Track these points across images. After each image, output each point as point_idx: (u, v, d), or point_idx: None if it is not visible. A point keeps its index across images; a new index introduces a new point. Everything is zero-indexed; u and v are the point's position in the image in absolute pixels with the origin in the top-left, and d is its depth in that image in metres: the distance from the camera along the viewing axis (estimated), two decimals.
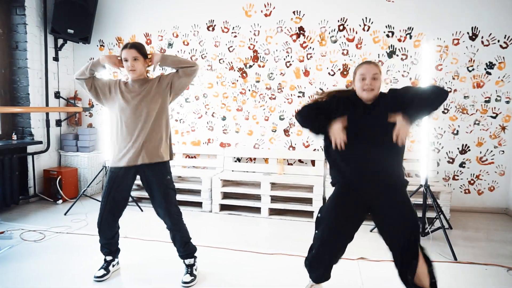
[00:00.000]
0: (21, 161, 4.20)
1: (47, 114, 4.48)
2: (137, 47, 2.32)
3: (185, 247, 2.48)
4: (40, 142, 4.33)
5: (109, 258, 2.56)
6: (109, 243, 2.52)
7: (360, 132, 1.92)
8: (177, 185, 4.15)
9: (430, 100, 1.88)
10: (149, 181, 2.42)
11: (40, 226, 3.47)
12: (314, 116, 2.01)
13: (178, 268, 2.55)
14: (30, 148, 4.30)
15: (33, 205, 4.22)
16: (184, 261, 2.51)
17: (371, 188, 1.95)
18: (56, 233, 3.32)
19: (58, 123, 4.70)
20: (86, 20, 4.46)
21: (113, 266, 2.58)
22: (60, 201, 4.30)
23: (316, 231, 2.05)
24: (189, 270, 2.48)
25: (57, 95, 4.65)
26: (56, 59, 4.60)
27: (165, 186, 2.40)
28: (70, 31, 4.33)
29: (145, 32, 4.70)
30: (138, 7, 4.67)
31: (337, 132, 1.89)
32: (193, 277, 2.44)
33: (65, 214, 3.88)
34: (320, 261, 2.05)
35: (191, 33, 4.57)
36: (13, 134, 4.21)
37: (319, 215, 2.07)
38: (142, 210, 4.06)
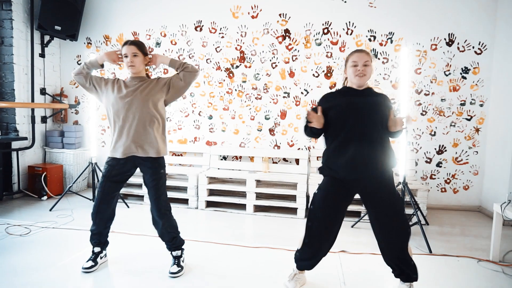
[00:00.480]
0: (5, 157, 4.18)
1: (33, 110, 4.46)
2: (137, 44, 2.41)
3: (173, 241, 2.55)
4: (25, 138, 4.31)
5: (97, 249, 2.60)
6: (100, 233, 2.57)
7: (353, 115, 2.06)
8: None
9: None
10: (144, 173, 2.49)
11: (26, 221, 3.47)
12: (314, 133, 2.16)
13: (165, 261, 2.62)
14: (15, 144, 4.28)
15: (17, 201, 4.19)
16: (171, 253, 2.58)
17: (363, 173, 2.06)
18: (42, 228, 3.33)
19: (44, 119, 4.69)
20: (74, 17, 4.47)
21: (101, 258, 2.63)
22: (45, 197, 4.29)
23: (309, 223, 2.16)
24: (176, 261, 2.55)
25: (43, 91, 4.64)
26: (42, 55, 4.59)
27: (157, 180, 2.47)
28: (58, 27, 4.34)
29: (133, 30, 4.74)
30: (126, 5, 4.71)
31: (313, 116, 2.02)
32: (180, 268, 2.51)
33: (50, 210, 3.88)
34: (312, 250, 2.16)
35: (179, 33, 4.63)
36: None
37: (311, 206, 2.17)
38: (128, 207, 4.09)
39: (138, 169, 2.55)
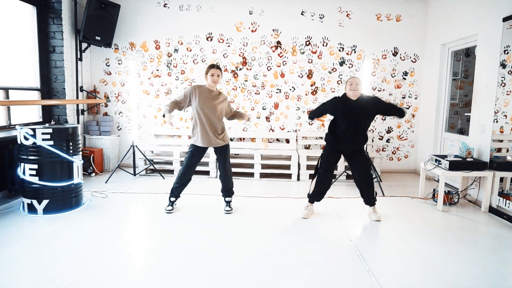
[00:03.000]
0: None
1: (77, 104, 5.51)
2: (221, 69, 3.74)
3: (229, 191, 3.94)
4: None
5: (173, 199, 3.92)
6: (181, 189, 3.87)
7: (348, 115, 3.56)
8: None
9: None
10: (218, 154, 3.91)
11: (97, 189, 4.65)
12: (318, 114, 3.75)
13: (219, 205, 4.01)
14: None
15: None
16: (225, 199, 3.97)
17: (350, 147, 3.62)
18: (112, 193, 4.54)
19: (82, 112, 5.73)
20: (110, 28, 5.54)
21: (175, 204, 3.95)
22: (93, 174, 5.42)
23: (320, 170, 3.68)
24: (228, 204, 3.94)
25: (81, 89, 5.67)
26: (80, 59, 5.61)
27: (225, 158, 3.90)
28: (98, 38, 5.39)
29: (155, 39, 5.89)
30: (148, 18, 5.83)
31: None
32: (231, 208, 3.91)
33: (105, 182, 5.05)
34: (322, 186, 3.70)
35: (193, 42, 5.87)
36: (52, 121, 5.20)
37: (321, 160, 3.71)
38: (164, 178, 5.36)
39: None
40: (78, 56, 5.58)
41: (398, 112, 3.64)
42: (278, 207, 4.16)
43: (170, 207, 3.87)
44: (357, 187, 3.77)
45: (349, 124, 3.55)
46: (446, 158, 4.10)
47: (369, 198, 3.76)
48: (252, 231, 3.40)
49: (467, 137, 4.57)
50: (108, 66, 5.98)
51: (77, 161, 3.89)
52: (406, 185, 5.25)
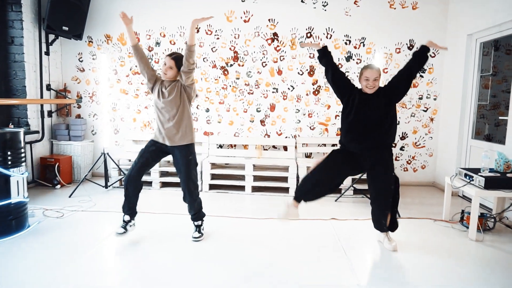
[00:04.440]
0: None
1: (42, 105, 4.78)
2: (176, 59, 2.98)
3: (197, 213, 3.15)
4: (37, 132, 4.64)
5: (127, 218, 3.12)
6: (132, 202, 3.09)
7: (363, 112, 2.81)
8: (169, 169, 4.77)
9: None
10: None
11: (54, 206, 3.89)
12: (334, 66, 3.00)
13: (188, 231, 3.21)
14: (27, 138, 4.59)
15: (33, 190, 4.54)
16: (194, 223, 3.18)
17: (372, 144, 2.83)
18: (72, 211, 3.78)
19: (50, 114, 5.00)
20: (80, 18, 4.81)
21: (130, 226, 3.15)
22: (58, 186, 4.67)
23: (320, 164, 2.93)
24: (197, 229, 3.15)
25: (48, 87, 4.94)
26: (47, 53, 4.88)
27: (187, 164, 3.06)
28: (65, 28, 4.66)
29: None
30: (127, 7, 5.09)
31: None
32: (200, 234, 3.12)
33: (69, 197, 4.30)
34: (308, 181, 2.92)
35: (177, 34, 5.11)
36: (10, 124, 4.48)
37: (327, 158, 2.97)
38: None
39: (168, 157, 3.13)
40: (44, 50, 4.84)
41: (417, 57, 2.90)
42: (268, 234, 3.36)
43: (121, 230, 3.08)
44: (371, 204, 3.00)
45: (362, 121, 2.84)
46: (480, 173, 3.26)
47: (379, 224, 2.98)
48: (228, 270, 2.61)
49: (503, 146, 3.73)
50: (81, 61, 5.25)
51: (17, 175, 3.13)
52: (425, 202, 4.42)
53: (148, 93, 5.20)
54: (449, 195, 3.68)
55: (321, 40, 5.02)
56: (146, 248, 2.96)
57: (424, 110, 5.08)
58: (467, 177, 3.38)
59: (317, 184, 2.91)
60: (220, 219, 3.66)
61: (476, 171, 3.39)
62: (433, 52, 4.97)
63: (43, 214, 3.63)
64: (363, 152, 2.88)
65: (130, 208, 3.12)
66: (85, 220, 3.56)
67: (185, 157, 3.03)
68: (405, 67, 2.92)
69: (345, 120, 2.92)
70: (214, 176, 4.83)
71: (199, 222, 3.20)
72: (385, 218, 2.92)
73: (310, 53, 5.04)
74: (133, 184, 3.04)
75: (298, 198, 2.97)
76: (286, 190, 4.67)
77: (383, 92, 2.87)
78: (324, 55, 3.03)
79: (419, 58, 2.90)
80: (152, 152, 3.06)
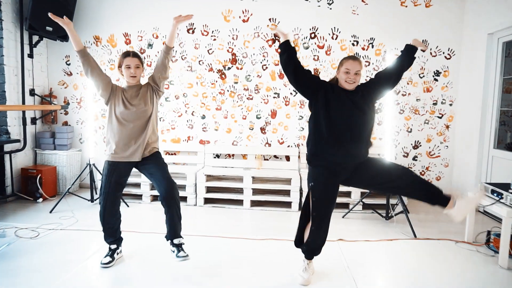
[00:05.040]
0: None
1: (23, 112, 4.41)
2: (139, 57, 2.64)
3: (178, 225, 2.67)
4: (18, 141, 4.28)
5: (113, 246, 2.75)
6: (114, 231, 2.71)
7: (341, 111, 2.35)
8: None
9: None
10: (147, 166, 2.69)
11: (31, 224, 3.50)
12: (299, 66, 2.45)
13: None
14: (7, 147, 4.23)
15: (12, 204, 4.17)
16: (173, 241, 2.66)
17: (349, 159, 2.38)
18: (49, 230, 3.39)
19: (33, 121, 4.64)
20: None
21: (117, 254, 2.78)
22: (40, 199, 4.29)
23: (314, 213, 2.43)
24: (180, 248, 2.65)
25: (32, 92, 4.58)
26: (31, 56, 4.53)
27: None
28: (49, 28, 4.31)
29: (124, 31, 4.78)
30: (117, 6, 4.74)
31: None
32: (186, 254, 2.60)
33: (50, 212, 3.92)
34: (319, 236, 2.44)
35: None
36: None
37: (313, 198, 2.44)
38: (128, 206, 4.20)
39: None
40: (27, 52, 4.49)
41: (406, 53, 2.55)
42: (265, 256, 2.95)
43: (107, 259, 2.69)
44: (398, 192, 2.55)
45: (342, 122, 2.35)
46: (511, 190, 2.84)
47: (431, 191, 2.40)
48: None
49: None
50: (69, 65, 4.89)
51: None
52: (442, 218, 3.98)
53: None
54: (472, 213, 3.25)
55: (326, 41, 4.63)
56: (130, 272, 2.56)
57: (439, 117, 4.66)
58: (495, 194, 2.95)
59: (325, 235, 2.48)
60: (215, 240, 3.25)
61: (505, 186, 2.96)
62: (448, 54, 4.57)
63: (15, 234, 3.23)
64: (343, 162, 2.38)
65: (113, 236, 2.74)
66: (64, 241, 3.17)
67: (159, 158, 2.74)
68: (395, 66, 2.52)
69: (319, 122, 2.38)
70: (209, 189, 4.43)
71: (180, 240, 2.69)
72: (428, 184, 2.43)
73: (315, 55, 4.65)
74: (111, 217, 2.68)
75: (311, 256, 2.57)
76: (288, 204, 4.26)
77: (364, 90, 2.44)
78: (288, 48, 2.48)
79: (409, 59, 2.56)
80: (118, 176, 2.67)
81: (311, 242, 2.50)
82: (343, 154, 2.36)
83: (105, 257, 2.71)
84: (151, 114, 2.66)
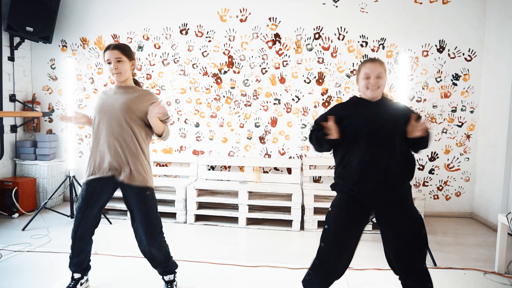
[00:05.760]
0: None
1: (1, 119, 4.07)
2: (122, 48, 2.17)
3: (166, 264, 2.31)
4: None
5: (77, 276, 2.34)
6: (81, 259, 2.29)
7: (367, 128, 1.91)
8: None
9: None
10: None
11: None
12: (322, 142, 2.00)
13: (156, 284, 2.38)
14: None
15: None
16: (163, 277, 2.36)
17: (381, 188, 1.90)
18: (15, 252, 2.99)
19: (14, 128, 4.29)
20: (48, 17, 4.13)
21: (81, 284, 2.36)
22: (16, 214, 3.91)
23: (322, 244, 1.97)
24: (169, 286, 2.33)
25: (13, 98, 4.24)
26: (11, 58, 4.20)
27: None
28: (29, 29, 3.98)
29: (113, 33, 4.43)
30: (105, 6, 4.40)
31: (329, 127, 1.88)
32: None
33: (23, 230, 3.53)
34: (325, 274, 1.97)
35: (163, 36, 4.38)
36: None
37: (326, 226, 1.98)
38: (110, 223, 3.79)
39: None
40: (8, 54, 4.17)
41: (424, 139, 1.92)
42: (268, 286, 2.49)
43: None
44: (396, 268, 2.05)
45: (371, 143, 1.89)
46: None
47: None
48: None
49: None
50: (54, 69, 4.56)
51: None
52: (463, 241, 3.47)
53: None
54: (504, 238, 2.74)
55: (331, 42, 4.20)
56: None
57: (458, 125, 4.17)
58: None
59: (332, 274, 1.99)
60: (202, 266, 2.81)
61: None
62: (469, 55, 4.10)
63: None
64: (371, 194, 1.92)
65: (80, 264, 2.32)
66: (29, 264, 2.76)
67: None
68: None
69: (341, 153, 2.00)
70: (201, 205, 4.00)
71: (171, 277, 2.36)
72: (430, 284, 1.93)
73: (319, 58, 4.23)
74: (85, 240, 2.28)
75: None
76: (288, 223, 3.79)
77: (402, 111, 1.97)
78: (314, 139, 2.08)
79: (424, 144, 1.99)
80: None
81: (309, 279, 2.03)
82: (367, 183, 1.91)
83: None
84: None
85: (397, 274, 2.03)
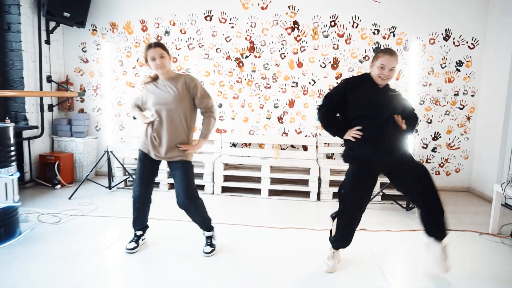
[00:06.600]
0: (17, 146, 4.12)
1: (41, 98, 4.40)
2: (162, 46, 2.53)
3: (204, 221, 2.72)
4: (36, 127, 4.28)
5: (139, 233, 2.75)
6: (143, 218, 2.73)
7: (375, 108, 2.31)
8: None
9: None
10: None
11: (51, 210, 3.51)
12: (331, 121, 2.43)
13: (198, 242, 2.80)
14: (25, 133, 4.23)
15: (30, 190, 4.18)
16: (204, 233, 2.76)
17: (386, 159, 2.34)
18: (70, 216, 3.40)
19: (50, 108, 4.63)
20: (83, 3, 4.41)
21: (142, 240, 2.78)
22: (58, 186, 4.30)
23: (341, 205, 2.41)
24: (208, 241, 2.73)
25: (49, 79, 4.57)
26: (47, 42, 4.50)
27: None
28: (66, 14, 4.27)
29: (141, 18, 4.73)
30: None
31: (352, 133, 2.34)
32: (213, 248, 2.70)
33: (69, 198, 3.92)
34: (349, 230, 2.42)
35: (188, 22, 4.69)
36: (6, 118, 4.11)
37: (342, 191, 2.42)
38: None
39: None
40: (44, 38, 4.46)
41: (411, 121, 2.45)
42: (289, 244, 2.93)
43: (132, 245, 2.70)
44: (417, 207, 2.50)
45: (376, 118, 2.31)
46: None
47: (437, 223, 2.47)
48: None
49: None
50: (85, 52, 4.86)
51: (5, 176, 2.74)
52: (462, 210, 3.93)
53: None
54: (498, 205, 3.20)
55: (346, 29, 4.54)
56: (152, 261, 2.56)
57: (460, 108, 4.58)
58: None
59: (353, 230, 2.48)
60: (234, 227, 3.24)
61: None
62: (472, 43, 4.46)
63: (38, 219, 3.24)
64: (380, 158, 2.34)
65: (141, 222, 2.76)
66: (85, 226, 3.17)
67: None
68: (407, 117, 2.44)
69: (356, 117, 2.36)
70: (227, 178, 4.41)
71: (211, 233, 2.78)
72: (443, 210, 2.47)
73: (334, 44, 4.57)
74: (143, 202, 2.71)
75: (338, 247, 2.54)
76: (306, 194, 4.23)
77: (398, 97, 2.42)
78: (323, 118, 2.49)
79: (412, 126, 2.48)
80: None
81: (338, 235, 2.48)
82: (375, 150, 2.33)
83: (130, 242, 2.72)
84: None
85: (418, 208, 2.48)
